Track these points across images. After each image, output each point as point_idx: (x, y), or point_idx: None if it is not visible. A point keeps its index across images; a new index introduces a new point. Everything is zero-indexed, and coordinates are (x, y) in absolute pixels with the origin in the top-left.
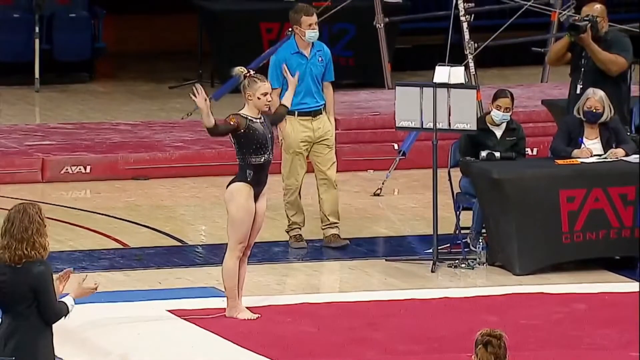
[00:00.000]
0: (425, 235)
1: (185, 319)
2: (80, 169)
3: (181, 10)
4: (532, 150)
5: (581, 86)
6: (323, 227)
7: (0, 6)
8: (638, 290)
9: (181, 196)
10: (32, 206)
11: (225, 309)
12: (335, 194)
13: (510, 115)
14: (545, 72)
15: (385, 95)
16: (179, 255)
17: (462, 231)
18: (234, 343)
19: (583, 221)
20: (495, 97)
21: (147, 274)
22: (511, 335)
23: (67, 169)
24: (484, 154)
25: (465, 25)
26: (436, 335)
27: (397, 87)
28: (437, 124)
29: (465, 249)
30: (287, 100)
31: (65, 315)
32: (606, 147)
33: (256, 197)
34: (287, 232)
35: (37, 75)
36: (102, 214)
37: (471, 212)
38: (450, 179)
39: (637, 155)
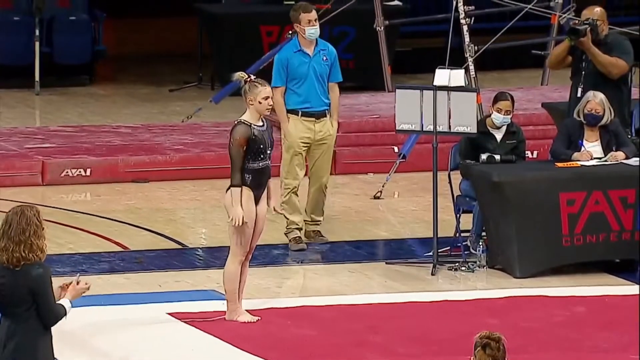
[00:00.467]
0: (425, 238)
1: (185, 322)
2: (80, 171)
3: (181, 13)
4: (532, 153)
5: (582, 89)
6: (305, 224)
7: (1, 9)
8: (638, 293)
9: (181, 199)
10: (30, 209)
11: (225, 312)
12: (323, 195)
13: (511, 118)
14: (545, 75)
15: (386, 98)
16: (179, 258)
17: (462, 234)
18: (234, 346)
19: (583, 224)
20: (496, 100)
21: (147, 277)
22: (511, 338)
23: (67, 172)
24: (484, 156)
25: (465, 28)
26: (436, 338)
27: (397, 90)
28: (437, 126)
29: (466, 252)
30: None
31: (64, 316)
32: (606, 149)
33: (256, 201)
34: (286, 234)
35: (37, 78)
36: (102, 217)
37: (471, 215)
38: (450, 182)
39: (638, 158)
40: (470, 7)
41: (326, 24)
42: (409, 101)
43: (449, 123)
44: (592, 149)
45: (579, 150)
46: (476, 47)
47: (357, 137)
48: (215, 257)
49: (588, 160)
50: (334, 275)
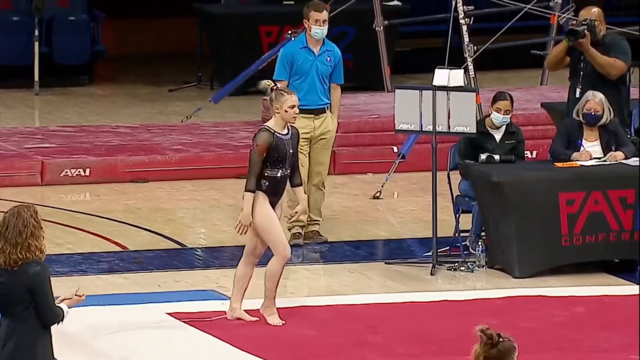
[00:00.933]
0: (424, 238)
1: (184, 322)
2: (79, 171)
3: (181, 13)
4: (531, 153)
5: (580, 90)
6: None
7: (0, 9)
8: (638, 293)
9: (180, 199)
10: (27, 209)
11: (225, 311)
12: (321, 194)
13: (510, 118)
14: (544, 75)
15: (385, 98)
16: (179, 258)
17: (462, 234)
18: (234, 346)
19: (582, 224)
20: (495, 100)
21: (146, 277)
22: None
23: (66, 172)
24: (483, 156)
25: (464, 28)
26: (436, 338)
27: (396, 90)
28: (437, 126)
29: (465, 252)
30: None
31: (62, 320)
32: (606, 149)
33: (272, 206)
34: (289, 228)
35: (36, 78)
36: (102, 217)
37: (470, 215)
38: (449, 182)
39: (637, 158)
40: (469, 7)
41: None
42: (408, 101)
43: (448, 123)
44: (591, 148)
45: (578, 150)
46: (475, 47)
47: (357, 137)
48: (214, 257)
49: (587, 160)
50: (333, 276)
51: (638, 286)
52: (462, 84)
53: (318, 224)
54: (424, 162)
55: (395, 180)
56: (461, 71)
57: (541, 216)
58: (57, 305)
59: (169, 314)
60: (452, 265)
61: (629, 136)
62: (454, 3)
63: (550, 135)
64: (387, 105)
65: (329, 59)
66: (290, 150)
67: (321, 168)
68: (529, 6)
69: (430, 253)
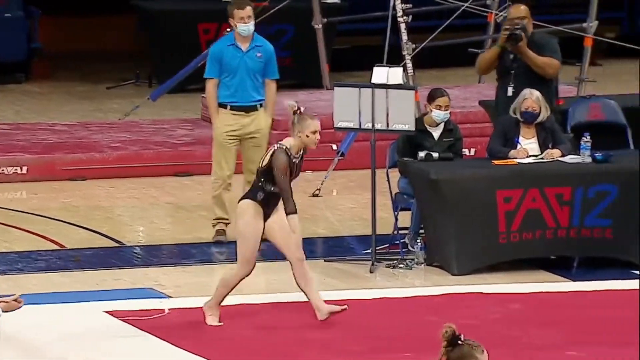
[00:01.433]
0: (363, 236)
1: (123, 320)
2: (16, 169)
3: (118, 11)
4: (469, 151)
5: (513, 89)
6: None
7: None
8: (638, 288)
9: (119, 197)
10: None
11: (163, 310)
12: None
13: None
14: None
15: (324, 96)
16: (117, 256)
17: (401, 231)
18: (172, 344)
19: (520, 221)
20: (433, 97)
21: (84, 275)
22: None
23: (2, 170)
24: (422, 154)
25: (403, 26)
26: (375, 335)
27: (335, 88)
28: (376, 124)
29: (404, 250)
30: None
31: None
32: (543, 147)
33: (266, 217)
34: (213, 226)
35: None
36: (39, 215)
37: (409, 212)
38: (388, 180)
39: (573, 156)
40: (407, 5)
41: (264, 22)
42: (347, 99)
43: (387, 121)
44: (528, 146)
45: (516, 148)
46: (414, 45)
47: None
48: (153, 255)
49: (524, 158)
50: (273, 273)
51: (638, 281)
52: (400, 82)
53: None
54: (363, 160)
55: (335, 178)
56: (400, 69)
57: (479, 214)
58: None
59: (107, 312)
60: (391, 262)
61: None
62: (392, 1)
63: (488, 133)
64: (326, 103)
65: (259, 54)
66: (296, 173)
67: (254, 166)
68: (466, 4)
69: (369, 251)
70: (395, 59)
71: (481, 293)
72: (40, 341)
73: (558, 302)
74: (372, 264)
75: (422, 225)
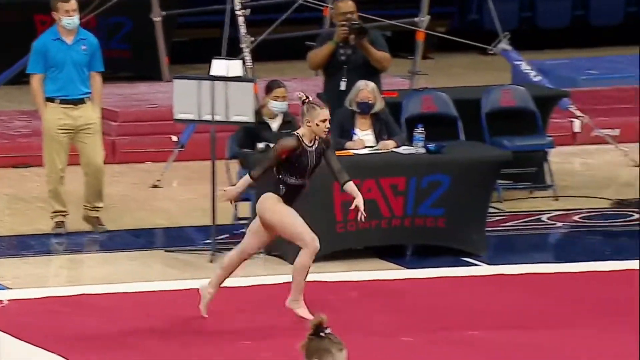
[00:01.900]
0: (204, 226)
1: None
2: None
3: None
4: None
5: (346, 82)
6: (84, 209)
7: None
8: (468, 274)
9: None
10: None
11: (1, 301)
12: (100, 180)
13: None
14: None
15: (163, 88)
16: None
17: (240, 221)
18: (10, 335)
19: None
20: (270, 89)
21: None
22: (287, 322)
23: None
24: (260, 145)
25: (241, 19)
26: (216, 324)
27: (174, 80)
28: (215, 116)
29: None
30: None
31: None
32: (378, 138)
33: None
34: (52, 218)
35: None
36: None
37: (249, 202)
38: (228, 171)
39: (407, 147)
40: None
41: (101, 15)
42: (187, 91)
43: (227, 113)
44: (364, 137)
45: (352, 140)
46: (252, 38)
47: (136, 126)
48: None
49: (361, 149)
50: (113, 264)
51: (467, 268)
52: (240, 74)
53: (99, 210)
54: (203, 151)
55: (175, 170)
56: (239, 62)
57: (317, 203)
58: None
59: None
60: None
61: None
62: None
63: None
64: (166, 95)
65: (84, 47)
66: (313, 163)
67: (93, 159)
68: None
69: (209, 241)
70: (234, 52)
71: (319, 281)
72: None
73: (393, 289)
74: (212, 254)
75: None
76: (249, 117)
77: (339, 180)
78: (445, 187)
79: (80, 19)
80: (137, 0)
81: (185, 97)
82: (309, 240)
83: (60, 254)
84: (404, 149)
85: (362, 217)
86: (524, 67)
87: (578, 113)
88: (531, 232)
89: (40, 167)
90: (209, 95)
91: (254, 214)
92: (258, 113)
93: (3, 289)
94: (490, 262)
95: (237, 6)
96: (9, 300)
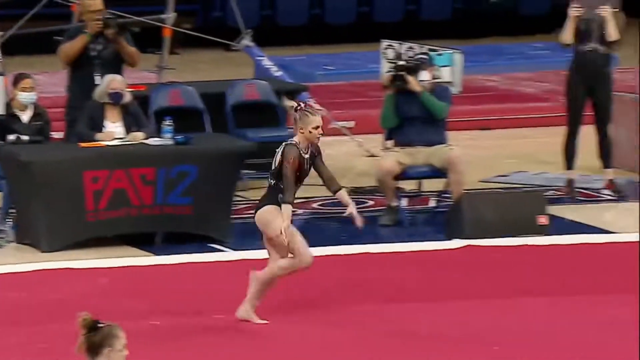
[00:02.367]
0: None
1: None
2: None
3: None
4: (58, 134)
5: (99, 76)
6: None
7: None
8: (216, 259)
9: None
10: None
11: None
12: None
13: (36, 99)
14: None
15: None
16: None
17: None
18: None
19: (107, 200)
20: (18, 81)
21: None
22: (40, 309)
23: None
24: (11, 137)
25: None
26: None
27: None
28: None
29: None
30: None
31: None
32: (128, 130)
33: None
34: None
35: None
36: None
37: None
38: None
39: (156, 139)
40: None
41: None
42: None
43: None
44: (114, 129)
45: (102, 131)
46: (2, 33)
47: None
48: None
49: (111, 141)
50: None
51: (216, 254)
52: None
53: None
54: None
55: None
56: None
57: (67, 193)
58: None
59: None
60: None
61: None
62: None
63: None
64: None
65: None
66: (307, 170)
67: None
68: None
69: None
70: None
71: (71, 268)
72: None
73: (142, 275)
74: None
75: (13, 205)
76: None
77: (330, 188)
78: (193, 177)
79: None
80: None
81: None
82: (305, 261)
83: None
84: (153, 141)
85: (360, 224)
86: (266, 62)
87: (316, 106)
88: None
89: None
90: None
91: (7, 203)
92: (8, 106)
93: None
94: (235, 248)
95: None
96: None
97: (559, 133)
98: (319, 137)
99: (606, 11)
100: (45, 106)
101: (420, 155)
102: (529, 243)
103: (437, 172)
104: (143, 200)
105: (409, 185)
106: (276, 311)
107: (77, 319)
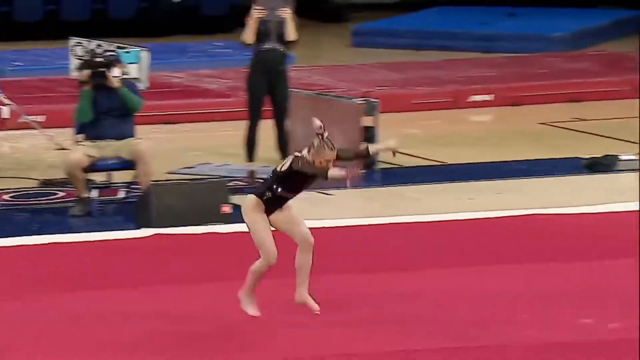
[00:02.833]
0: None
1: None
2: None
3: None
4: None
5: None
6: None
7: None
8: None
9: None
10: None
11: None
12: None
13: None
14: None
15: None
16: None
17: None
18: None
19: None
20: None
21: None
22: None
23: None
24: None
25: None
26: None
27: None
28: None
29: None
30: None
31: None
32: None
33: (268, 213)
34: None
35: None
36: None
37: None
38: None
39: None
40: None
41: None
42: None
43: None
44: None
45: None
46: None
47: None
48: None
49: None
50: None
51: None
52: None
53: None
54: None
55: None
56: None
57: None
58: None
59: None
60: None
61: None
62: None
63: None
64: None
65: None
66: (308, 185)
67: None
68: None
69: None
70: None
71: None
72: None
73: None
74: None
75: None
76: None
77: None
78: None
79: None
80: None
81: None
82: (268, 259)
83: None
84: None
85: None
86: None
87: (7, 101)
88: None
89: None
90: None
91: None
92: None
93: None
94: None
95: None
96: None
97: (241, 127)
98: (325, 170)
99: (287, 13)
100: None
101: (109, 148)
102: (213, 231)
103: (126, 164)
104: None
105: (99, 177)
106: None
107: None
